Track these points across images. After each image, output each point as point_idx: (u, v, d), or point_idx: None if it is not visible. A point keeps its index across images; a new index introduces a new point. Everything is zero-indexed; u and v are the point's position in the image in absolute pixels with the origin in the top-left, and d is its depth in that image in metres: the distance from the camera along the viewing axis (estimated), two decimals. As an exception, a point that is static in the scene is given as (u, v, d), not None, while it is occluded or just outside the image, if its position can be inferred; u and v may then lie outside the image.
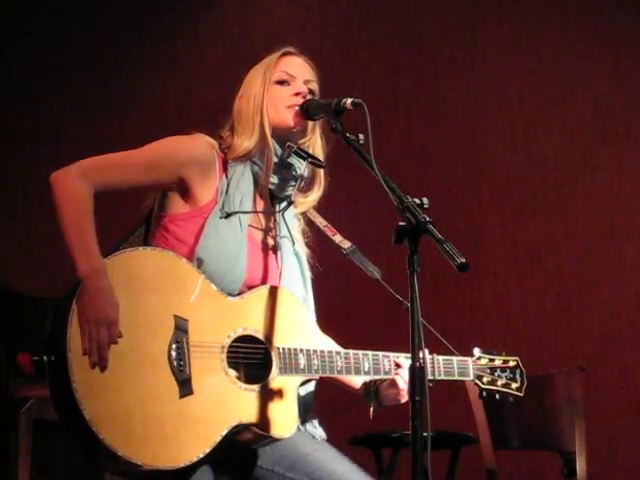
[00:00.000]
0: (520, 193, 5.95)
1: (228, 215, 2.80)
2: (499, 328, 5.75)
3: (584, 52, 5.96)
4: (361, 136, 2.71)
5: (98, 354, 2.53)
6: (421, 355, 2.48)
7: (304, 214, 3.04)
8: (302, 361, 2.76)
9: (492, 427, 4.22)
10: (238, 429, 2.66)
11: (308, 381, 2.84)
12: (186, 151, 2.82)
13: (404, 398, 2.85)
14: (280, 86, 2.91)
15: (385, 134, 5.72)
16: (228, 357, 2.69)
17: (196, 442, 2.60)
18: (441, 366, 2.94)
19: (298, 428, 2.79)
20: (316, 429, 2.88)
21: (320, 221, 3.06)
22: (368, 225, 5.37)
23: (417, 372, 2.47)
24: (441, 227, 2.50)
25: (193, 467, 2.62)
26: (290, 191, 2.93)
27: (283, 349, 2.75)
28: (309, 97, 2.90)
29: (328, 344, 2.95)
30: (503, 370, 3.05)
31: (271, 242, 2.91)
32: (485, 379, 3.02)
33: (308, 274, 2.98)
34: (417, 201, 2.54)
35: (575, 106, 5.94)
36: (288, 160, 2.88)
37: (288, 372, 2.74)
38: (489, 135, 6.01)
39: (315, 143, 2.96)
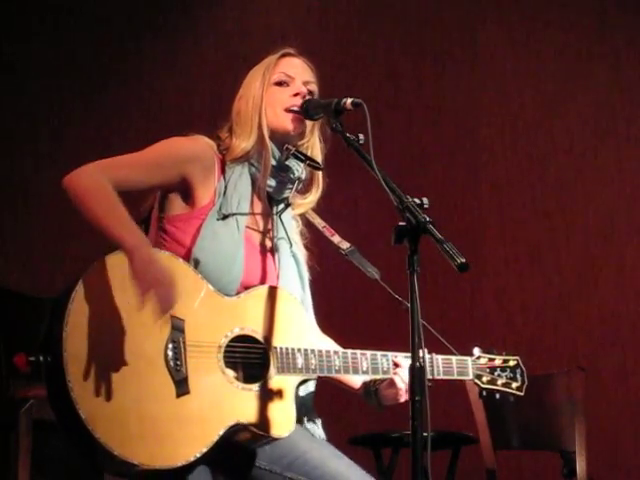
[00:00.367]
0: (520, 193, 5.95)
1: (225, 217, 2.80)
2: (499, 328, 5.75)
3: (584, 52, 5.96)
4: (361, 136, 2.71)
5: (165, 312, 2.54)
6: (421, 355, 2.48)
7: (302, 215, 3.04)
8: (300, 360, 2.76)
9: (492, 427, 4.22)
10: (236, 428, 2.66)
11: (307, 381, 2.84)
12: (188, 149, 2.83)
13: (403, 397, 2.86)
14: (279, 87, 2.91)
15: (385, 134, 5.72)
16: (225, 357, 2.69)
17: (193, 441, 2.60)
18: (440, 365, 2.94)
19: (298, 425, 2.79)
20: (317, 429, 2.88)
21: (319, 222, 3.06)
22: (368, 225, 5.37)
23: (417, 372, 2.47)
24: (441, 227, 2.50)
25: (190, 467, 2.62)
26: (287, 193, 2.93)
27: (281, 348, 2.75)
28: (308, 97, 2.91)
29: (328, 344, 2.95)
30: (503, 369, 3.05)
31: (268, 244, 2.91)
32: (485, 378, 3.02)
33: (306, 275, 2.98)
34: (417, 201, 2.54)
35: (575, 106, 5.94)
36: (286, 162, 2.89)
37: (286, 371, 2.74)
38: (489, 135, 6.01)
39: (314, 145, 2.96)
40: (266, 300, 2.77)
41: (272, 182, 2.89)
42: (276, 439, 2.72)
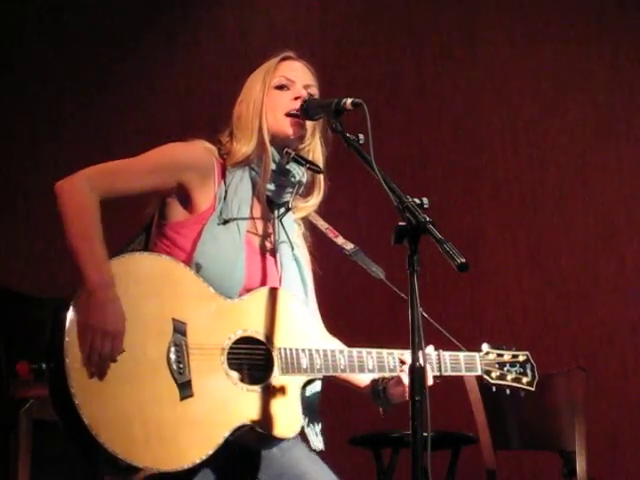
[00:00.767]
0: (520, 193, 5.95)
1: (226, 221, 2.80)
2: (499, 328, 5.75)
3: (584, 52, 5.96)
4: (361, 136, 2.70)
5: (98, 366, 2.54)
6: (421, 355, 2.48)
7: (305, 218, 3.03)
8: (304, 360, 2.76)
9: (492, 427, 4.22)
10: (241, 430, 2.66)
11: (313, 381, 2.83)
12: (185, 156, 2.83)
13: None
14: (280, 91, 2.90)
15: (385, 134, 5.72)
16: (229, 359, 2.69)
17: (198, 444, 2.60)
18: (447, 362, 2.92)
19: (301, 443, 2.80)
20: (316, 436, 2.87)
21: (322, 224, 3.05)
22: (368, 225, 5.37)
23: (417, 372, 2.47)
24: (441, 227, 2.50)
25: (195, 470, 2.63)
26: (288, 197, 2.92)
27: (285, 349, 2.74)
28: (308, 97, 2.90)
29: (334, 345, 2.94)
30: (512, 365, 3.04)
31: (270, 247, 2.90)
32: (494, 374, 3.00)
33: (309, 279, 2.97)
34: (417, 201, 2.54)
35: (575, 106, 5.94)
36: (286, 167, 2.88)
37: (290, 372, 2.74)
38: (489, 135, 6.01)
39: (315, 148, 2.95)
40: (268, 301, 2.77)
41: (272, 186, 2.89)
42: (281, 440, 2.73)
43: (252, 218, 2.87)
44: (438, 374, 2.89)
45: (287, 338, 2.76)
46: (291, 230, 2.96)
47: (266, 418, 2.68)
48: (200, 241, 2.76)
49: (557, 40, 5.99)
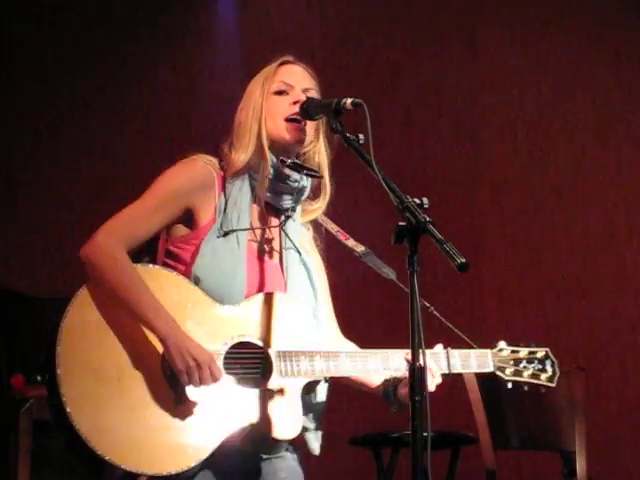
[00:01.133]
0: (520, 193, 5.95)
1: (226, 233, 2.79)
2: (499, 328, 5.75)
3: (584, 52, 5.96)
4: (361, 136, 2.69)
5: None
6: (421, 355, 2.47)
7: (313, 222, 3.01)
8: (303, 363, 2.75)
9: (492, 427, 4.22)
10: (241, 433, 2.66)
11: (317, 383, 2.82)
12: (186, 181, 2.82)
13: None
14: (279, 96, 2.87)
15: (385, 134, 5.72)
16: (226, 363, 2.69)
17: (194, 448, 2.61)
18: (457, 359, 2.90)
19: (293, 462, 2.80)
20: (317, 442, 2.86)
21: (332, 227, 3.03)
22: (368, 225, 5.36)
23: (417, 372, 2.46)
24: (441, 227, 2.50)
25: (193, 473, 2.63)
26: (289, 204, 2.90)
27: (283, 352, 2.74)
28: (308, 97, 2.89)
29: (348, 349, 2.92)
30: (530, 361, 2.99)
31: (275, 255, 2.88)
32: (508, 370, 2.96)
33: (319, 284, 2.94)
34: (417, 201, 2.53)
35: (575, 106, 5.94)
36: (285, 173, 2.85)
37: (289, 374, 2.73)
38: (489, 135, 6.01)
39: (319, 150, 2.92)
40: (265, 306, 2.76)
41: (271, 193, 2.86)
42: (281, 441, 2.72)
43: (253, 228, 2.85)
44: (447, 372, 2.87)
45: (286, 340, 2.76)
46: (298, 235, 2.94)
47: (265, 421, 2.68)
48: (199, 254, 2.76)
49: (557, 40, 5.99)
